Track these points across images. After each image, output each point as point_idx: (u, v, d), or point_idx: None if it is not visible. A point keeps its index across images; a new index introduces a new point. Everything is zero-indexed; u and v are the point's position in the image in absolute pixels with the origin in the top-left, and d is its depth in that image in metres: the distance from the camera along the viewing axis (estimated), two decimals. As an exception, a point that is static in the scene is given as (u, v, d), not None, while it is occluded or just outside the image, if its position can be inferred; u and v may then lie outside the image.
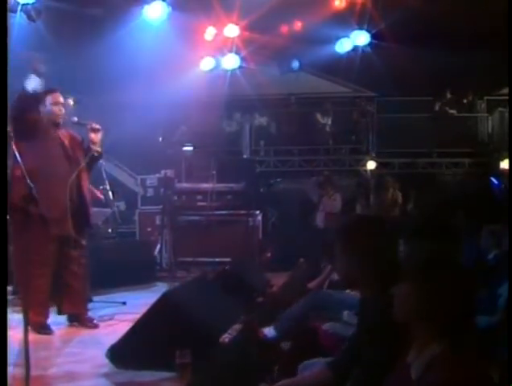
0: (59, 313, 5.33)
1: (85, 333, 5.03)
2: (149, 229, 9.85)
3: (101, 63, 10.40)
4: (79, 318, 5.32)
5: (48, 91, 5.33)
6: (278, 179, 13.22)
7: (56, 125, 5.27)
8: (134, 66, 10.50)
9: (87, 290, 5.64)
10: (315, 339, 3.54)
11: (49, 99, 5.22)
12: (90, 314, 5.50)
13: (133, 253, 8.05)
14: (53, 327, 5.11)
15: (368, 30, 10.29)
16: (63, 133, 5.33)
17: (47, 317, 5.07)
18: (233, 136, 13.19)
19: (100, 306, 6.05)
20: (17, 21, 9.65)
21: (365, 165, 12.33)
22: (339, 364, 2.63)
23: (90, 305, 5.72)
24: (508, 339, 2.89)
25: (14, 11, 9.32)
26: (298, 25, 10.86)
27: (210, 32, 11.17)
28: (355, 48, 10.59)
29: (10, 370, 3.12)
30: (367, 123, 12.59)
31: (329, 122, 12.72)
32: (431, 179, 11.94)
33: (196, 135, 11.77)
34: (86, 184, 5.44)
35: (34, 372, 3.69)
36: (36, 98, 5.32)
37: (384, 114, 12.45)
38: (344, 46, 10.73)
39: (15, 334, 4.82)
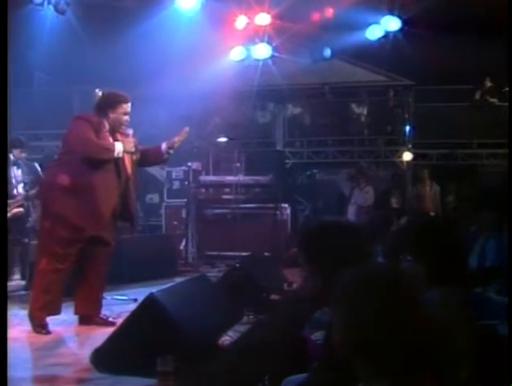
0: (76, 312, 5.24)
1: (85, 332, 4.92)
2: (175, 223, 9.76)
3: (133, 54, 10.37)
4: (92, 319, 5.21)
5: (123, 99, 5.11)
6: (315, 170, 12.95)
7: (115, 131, 5.14)
8: (165, 57, 10.42)
9: (103, 288, 5.53)
10: (305, 349, 3.32)
11: (123, 107, 5.06)
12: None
13: (155, 247, 7.96)
14: (61, 324, 5.04)
15: (399, 16, 9.95)
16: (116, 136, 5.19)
17: (49, 313, 4.95)
18: (267, 127, 12.98)
19: (114, 303, 5.96)
20: (48, 15, 9.75)
21: (400, 156, 11.92)
22: (307, 384, 2.42)
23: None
24: (508, 338, 2.61)
25: (40, 4, 9.38)
26: (329, 12, 10.55)
27: (241, 21, 10.99)
28: (386, 35, 10.25)
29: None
30: (403, 112, 12.16)
31: (365, 112, 12.36)
32: (471, 171, 11.43)
33: (230, 126, 11.62)
34: (134, 187, 5.35)
35: (16, 374, 3.62)
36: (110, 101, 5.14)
37: (421, 103, 11.97)
38: (375, 32, 10.39)
39: (18, 331, 4.79)
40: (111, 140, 5.08)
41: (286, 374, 3.06)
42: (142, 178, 8.88)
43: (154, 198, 11.68)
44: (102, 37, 10.07)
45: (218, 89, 11.38)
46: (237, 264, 5.65)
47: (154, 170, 11.87)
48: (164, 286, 6.85)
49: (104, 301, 5.59)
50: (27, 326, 4.87)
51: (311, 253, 2.16)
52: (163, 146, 5.34)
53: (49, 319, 4.92)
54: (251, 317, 5.15)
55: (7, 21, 3.88)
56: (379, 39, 10.46)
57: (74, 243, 4.95)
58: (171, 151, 5.38)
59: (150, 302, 3.63)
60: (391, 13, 10.09)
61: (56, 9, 9.59)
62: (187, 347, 3.53)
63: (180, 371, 3.40)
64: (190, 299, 4.01)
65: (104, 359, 3.63)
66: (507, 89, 11.45)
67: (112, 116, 5.07)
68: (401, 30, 10.18)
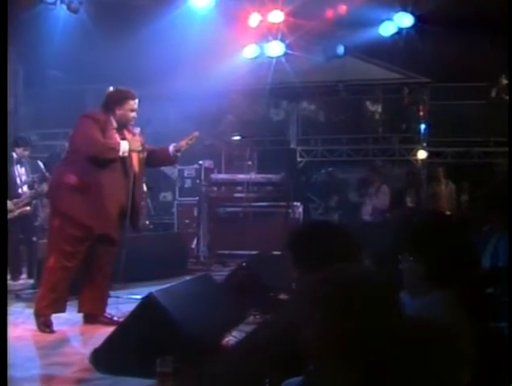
0: (80, 311, 5.24)
1: (90, 332, 4.90)
2: (187, 221, 9.74)
3: (146, 53, 10.36)
4: (97, 318, 5.20)
5: (130, 96, 5.13)
6: (329, 169, 12.86)
7: (122, 128, 5.16)
8: (178, 55, 10.41)
9: (109, 288, 5.52)
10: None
11: (129, 104, 5.09)
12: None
13: (166, 246, 7.94)
14: (65, 323, 5.03)
15: (412, 13, 9.87)
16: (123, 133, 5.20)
17: (55, 311, 4.95)
18: (280, 125, 12.93)
19: (121, 302, 5.94)
20: (60, 13, 9.77)
21: (415, 154, 11.80)
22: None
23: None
24: (508, 337, 2.54)
25: (53, 3, 9.40)
26: (343, 8, 10.47)
27: (254, 19, 10.95)
28: (399, 31, 10.17)
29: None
30: (418, 110, 12.02)
31: (379, 110, 12.26)
32: (488, 170, 11.25)
33: (243, 124, 11.59)
34: (141, 186, 5.35)
35: (17, 373, 3.61)
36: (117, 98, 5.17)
37: (436, 101, 11.82)
38: (388, 29, 10.30)
39: (22, 330, 4.79)
40: (118, 138, 5.08)
41: (286, 376, 3.01)
42: (155, 177, 8.90)
43: (167, 196, 11.69)
44: (115, 35, 10.07)
45: (231, 87, 11.36)
46: (244, 264, 5.59)
47: (166, 168, 11.87)
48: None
49: (118, 300, 5.60)
50: (32, 324, 4.88)
51: (298, 254, 2.12)
52: (171, 149, 5.32)
53: (53, 318, 4.91)
54: (257, 317, 5.10)
55: (7, 21, 3.86)
56: (392, 35, 10.36)
57: (83, 241, 4.97)
58: (179, 154, 5.38)
59: (149, 302, 3.59)
60: (404, 9, 10.00)
61: (69, 8, 9.61)
62: (188, 347, 3.49)
63: (181, 372, 3.36)
64: (191, 299, 3.96)
65: (103, 359, 3.60)
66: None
67: (119, 112, 5.08)
68: (414, 26, 10.09)
